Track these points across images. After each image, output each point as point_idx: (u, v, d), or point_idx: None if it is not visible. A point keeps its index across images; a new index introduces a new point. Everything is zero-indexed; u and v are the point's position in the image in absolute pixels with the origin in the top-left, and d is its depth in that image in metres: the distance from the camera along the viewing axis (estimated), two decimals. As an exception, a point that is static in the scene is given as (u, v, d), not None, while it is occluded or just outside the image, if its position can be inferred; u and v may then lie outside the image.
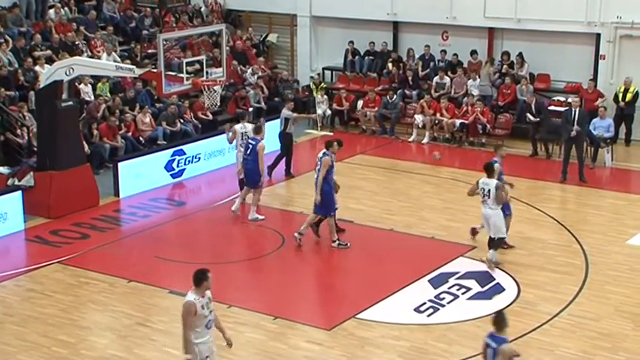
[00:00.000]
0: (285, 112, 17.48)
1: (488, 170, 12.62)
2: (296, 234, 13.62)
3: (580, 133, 17.08)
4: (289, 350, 10.34)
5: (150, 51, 20.50)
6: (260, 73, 22.50)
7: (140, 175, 16.60)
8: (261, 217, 14.86)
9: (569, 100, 20.44)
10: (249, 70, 22.41)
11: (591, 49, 20.87)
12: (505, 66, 21.22)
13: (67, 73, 14.95)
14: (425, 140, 20.31)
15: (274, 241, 13.86)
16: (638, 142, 20.35)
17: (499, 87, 20.97)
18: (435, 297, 11.73)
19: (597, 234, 14.22)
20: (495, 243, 12.68)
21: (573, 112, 17.18)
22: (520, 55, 21.17)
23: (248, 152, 14.90)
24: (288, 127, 17.39)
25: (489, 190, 12.45)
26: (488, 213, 12.58)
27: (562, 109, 20.29)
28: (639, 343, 10.33)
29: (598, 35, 20.58)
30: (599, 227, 14.72)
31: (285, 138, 17.45)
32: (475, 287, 12.04)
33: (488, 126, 20.01)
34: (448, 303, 11.52)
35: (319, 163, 13.48)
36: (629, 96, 19.79)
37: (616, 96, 19.89)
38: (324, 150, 13.56)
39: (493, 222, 12.55)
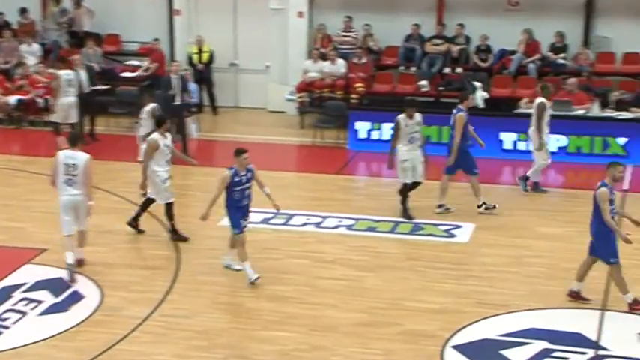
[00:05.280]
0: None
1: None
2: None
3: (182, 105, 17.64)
4: None
5: None
6: None
7: None
8: None
9: (146, 64, 21.03)
10: None
11: (164, 4, 21.56)
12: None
13: None
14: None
15: None
16: (225, 108, 21.68)
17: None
18: (-4, 318, 11.34)
19: (187, 217, 14.79)
20: None
21: (174, 80, 17.54)
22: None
23: None
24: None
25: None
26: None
27: (135, 74, 20.80)
28: (235, 336, 10.98)
29: (172, -13, 21.39)
30: (189, 210, 15.36)
31: None
32: (48, 299, 11.83)
33: (52, 100, 19.74)
34: (14, 323, 11.19)
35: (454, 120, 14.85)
36: (205, 57, 20.84)
37: (190, 58, 20.79)
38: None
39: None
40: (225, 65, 21.64)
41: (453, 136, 14.95)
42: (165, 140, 13.76)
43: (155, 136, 13.75)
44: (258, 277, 12.23)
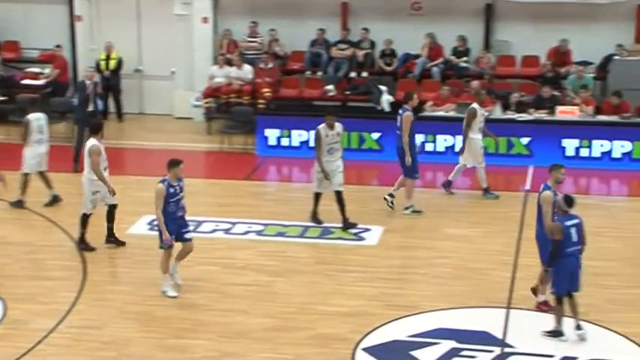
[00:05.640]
0: None
1: None
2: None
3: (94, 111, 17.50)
4: None
5: None
6: None
7: None
8: None
9: (48, 71, 20.69)
10: None
11: (65, 10, 21.22)
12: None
13: None
14: None
15: None
16: (130, 115, 21.43)
17: None
18: None
19: (93, 227, 14.55)
20: None
21: (90, 86, 17.39)
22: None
23: None
24: None
25: None
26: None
27: (38, 82, 20.43)
28: (144, 345, 10.89)
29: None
30: (94, 219, 15.13)
31: None
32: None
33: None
34: None
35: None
36: (112, 63, 20.64)
37: (98, 64, 20.57)
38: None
39: None
40: (129, 71, 21.41)
41: (401, 136, 15.09)
42: (103, 146, 13.57)
43: (96, 142, 13.50)
44: (174, 297, 12.09)
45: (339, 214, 14.59)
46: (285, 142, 18.96)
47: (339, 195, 14.47)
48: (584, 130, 18.18)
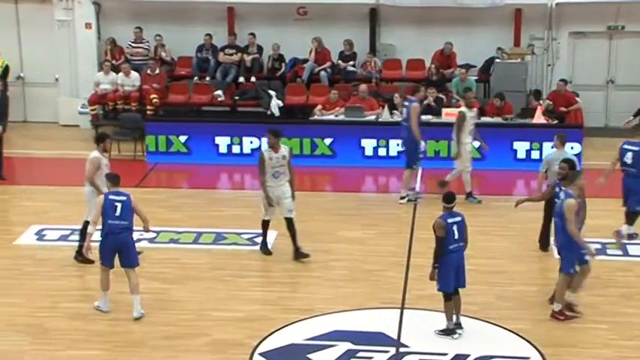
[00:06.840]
0: None
1: None
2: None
3: None
4: None
5: None
6: None
7: None
8: None
9: None
10: None
11: None
12: None
13: None
14: None
15: None
16: (13, 123, 20.86)
17: None
18: None
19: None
20: None
21: None
22: None
23: None
24: None
25: None
26: None
27: None
28: (37, 357, 10.68)
29: None
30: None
31: None
32: None
33: None
34: None
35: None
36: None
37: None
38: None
39: None
40: (11, 79, 20.85)
41: (409, 127, 15.44)
42: (105, 160, 13.05)
43: (97, 154, 13.02)
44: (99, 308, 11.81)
45: (232, 219, 14.57)
46: (174, 148, 18.72)
47: (289, 222, 13.48)
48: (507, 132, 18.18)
